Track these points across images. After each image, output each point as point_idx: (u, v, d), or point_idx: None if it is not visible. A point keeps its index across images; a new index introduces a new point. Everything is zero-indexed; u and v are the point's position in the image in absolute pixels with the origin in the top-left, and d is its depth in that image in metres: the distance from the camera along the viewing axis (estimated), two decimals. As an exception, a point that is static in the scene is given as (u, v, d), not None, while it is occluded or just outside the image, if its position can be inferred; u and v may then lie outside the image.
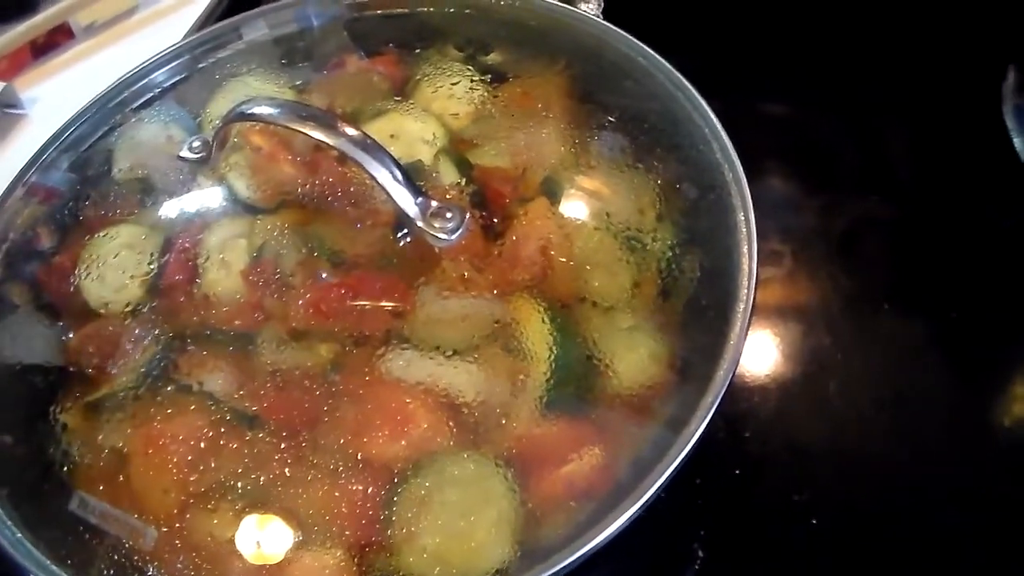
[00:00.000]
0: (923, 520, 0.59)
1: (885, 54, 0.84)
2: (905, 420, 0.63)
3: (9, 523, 0.47)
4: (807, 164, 0.78)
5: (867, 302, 0.69)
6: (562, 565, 0.43)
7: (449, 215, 0.51)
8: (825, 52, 0.85)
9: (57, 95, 0.86)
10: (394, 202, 0.50)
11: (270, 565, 0.46)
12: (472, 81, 0.60)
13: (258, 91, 0.62)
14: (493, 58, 0.63)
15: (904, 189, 0.76)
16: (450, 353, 0.49)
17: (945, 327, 0.67)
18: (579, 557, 0.43)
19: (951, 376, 0.65)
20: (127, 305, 0.53)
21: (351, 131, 0.49)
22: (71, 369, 0.53)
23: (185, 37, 0.69)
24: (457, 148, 0.58)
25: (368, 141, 0.49)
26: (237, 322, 0.52)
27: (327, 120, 0.50)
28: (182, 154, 0.58)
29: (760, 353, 0.67)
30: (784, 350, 0.67)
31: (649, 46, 0.60)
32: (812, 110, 0.82)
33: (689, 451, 0.45)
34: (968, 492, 0.60)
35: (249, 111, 0.52)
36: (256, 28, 0.68)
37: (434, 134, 0.58)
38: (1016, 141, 0.74)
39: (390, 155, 0.50)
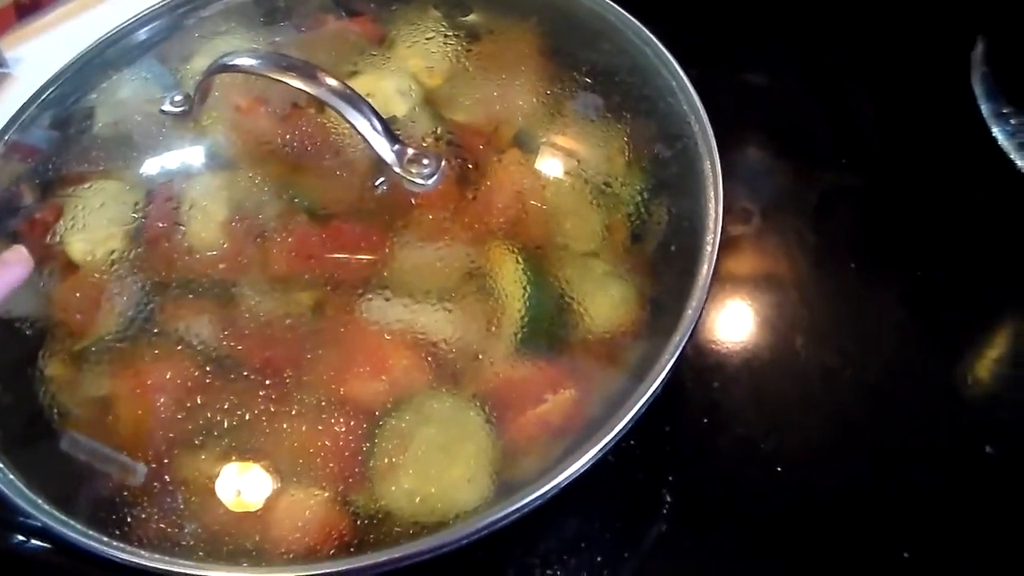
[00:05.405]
0: (884, 473, 0.60)
1: (856, 25, 0.85)
2: (870, 375, 0.64)
3: (1, 466, 0.48)
4: (779, 131, 0.80)
5: (834, 261, 0.70)
6: (531, 498, 0.44)
7: (426, 161, 0.52)
8: (798, 23, 0.86)
9: (42, 54, 0.86)
10: (372, 149, 0.51)
11: (256, 500, 0.48)
12: (446, 37, 0.62)
13: (238, 48, 0.63)
14: (472, 18, 0.64)
15: (874, 155, 0.77)
16: (427, 296, 0.51)
17: (912, 288, 0.68)
18: (550, 490, 0.44)
19: (916, 335, 0.67)
20: (111, 254, 0.54)
21: (331, 81, 0.51)
22: (57, 319, 0.54)
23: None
24: (432, 103, 0.59)
25: (348, 90, 0.51)
26: (220, 268, 0.53)
27: (308, 70, 0.51)
28: (164, 108, 0.59)
29: (728, 308, 0.68)
30: (752, 305, 0.69)
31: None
32: (784, 80, 0.83)
33: (658, 387, 0.47)
34: (928, 447, 0.61)
35: (231, 62, 0.53)
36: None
37: (410, 88, 0.59)
38: (983, 108, 0.76)
39: (368, 104, 0.51)
